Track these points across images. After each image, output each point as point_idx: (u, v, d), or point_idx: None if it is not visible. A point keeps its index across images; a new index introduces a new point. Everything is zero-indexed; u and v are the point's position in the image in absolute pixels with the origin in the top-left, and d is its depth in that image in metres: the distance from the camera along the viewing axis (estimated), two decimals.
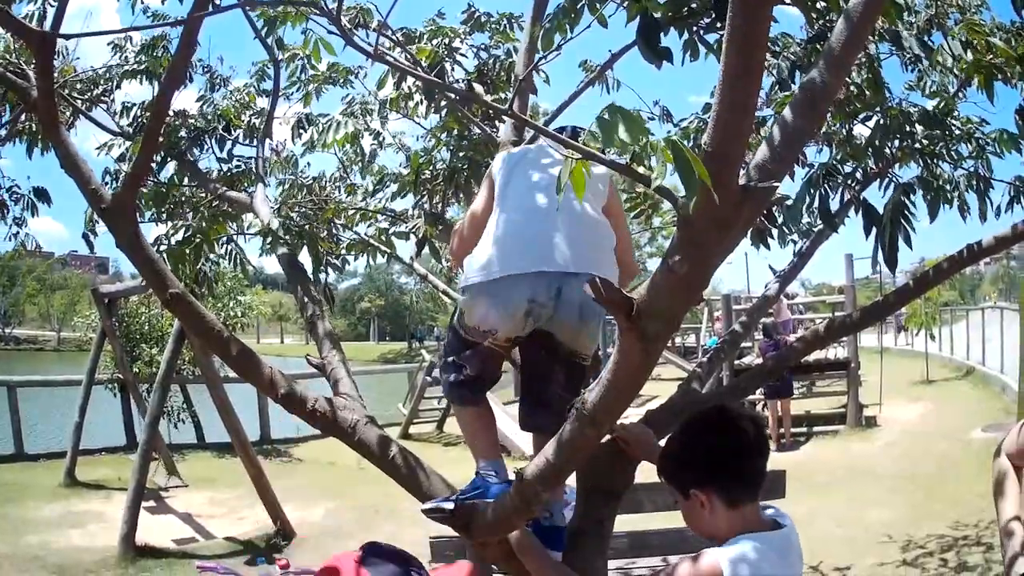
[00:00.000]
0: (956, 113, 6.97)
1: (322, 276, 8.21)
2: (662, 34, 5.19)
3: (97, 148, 10.02)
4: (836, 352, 26.03)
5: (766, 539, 3.93)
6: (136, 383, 22.89)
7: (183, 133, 9.63)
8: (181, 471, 21.60)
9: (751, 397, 25.30)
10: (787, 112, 3.44)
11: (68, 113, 9.36)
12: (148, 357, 25.60)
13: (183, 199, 9.75)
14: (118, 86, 10.08)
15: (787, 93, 6.35)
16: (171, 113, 9.36)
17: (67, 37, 7.55)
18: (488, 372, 5.53)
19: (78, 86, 10.03)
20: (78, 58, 10.53)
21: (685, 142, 7.64)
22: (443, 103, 8.61)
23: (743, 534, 3.90)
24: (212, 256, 8.21)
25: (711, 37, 5.62)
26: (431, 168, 9.34)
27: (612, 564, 6.98)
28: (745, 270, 60.48)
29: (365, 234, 9.97)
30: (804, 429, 25.58)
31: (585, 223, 5.10)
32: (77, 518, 17.90)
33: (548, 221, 5.12)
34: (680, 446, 4.21)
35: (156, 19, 9.88)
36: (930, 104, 6.83)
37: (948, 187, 7.16)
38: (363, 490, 18.80)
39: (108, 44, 10.28)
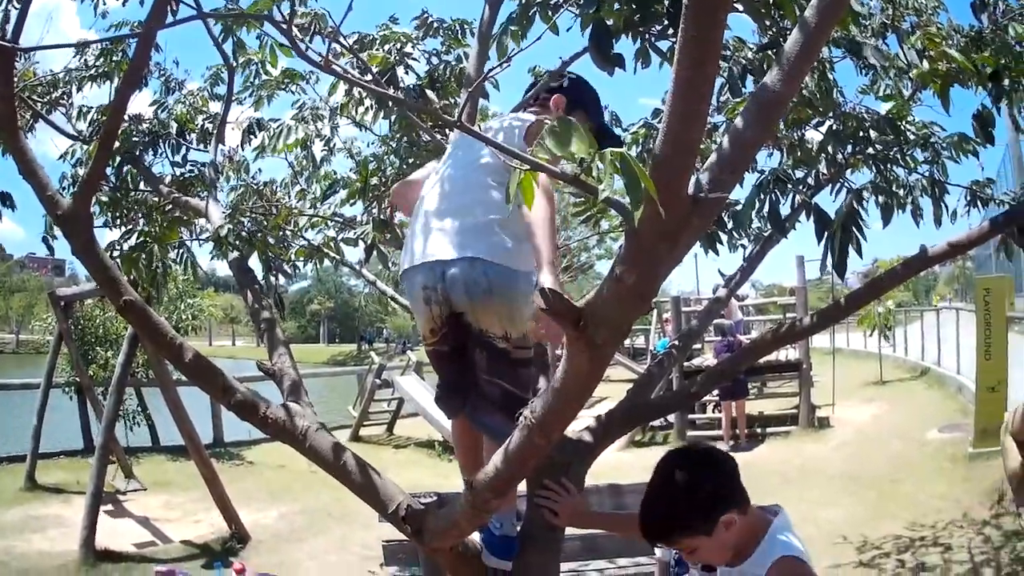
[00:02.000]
0: (911, 117, 7.00)
1: (272, 281, 8.24)
2: (614, 40, 5.21)
3: (59, 157, 10.01)
4: (788, 353, 26.04)
5: (784, 524, 4.35)
6: (92, 386, 22.80)
7: (137, 137, 9.61)
8: (137, 474, 21.47)
9: (706, 398, 25.55)
10: (739, 121, 3.45)
11: (28, 116, 9.33)
12: (103, 360, 25.47)
13: (136, 204, 9.72)
14: (78, 89, 10.05)
15: (738, 100, 6.36)
16: (126, 118, 9.33)
17: (28, 50, 7.55)
18: (454, 384, 5.62)
19: (38, 89, 9.99)
20: (37, 62, 10.49)
21: (634, 148, 7.67)
22: (394, 110, 8.61)
23: (770, 531, 4.28)
24: (159, 262, 8.21)
25: (663, 44, 5.63)
26: (380, 174, 9.34)
27: (564, 567, 7.04)
28: (695, 271, 60.70)
29: (314, 240, 9.99)
30: (757, 430, 25.69)
31: (475, 205, 5.21)
32: (38, 523, 17.81)
33: (441, 209, 5.34)
34: (689, 499, 4.26)
35: (116, 27, 9.89)
36: (884, 108, 6.85)
37: (902, 192, 7.20)
38: (315, 493, 18.89)
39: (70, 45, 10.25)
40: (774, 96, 3.38)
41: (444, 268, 5.08)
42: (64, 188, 9.61)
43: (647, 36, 5.60)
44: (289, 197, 10.27)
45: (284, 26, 3.73)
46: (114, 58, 9.72)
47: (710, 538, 4.20)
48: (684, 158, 2.95)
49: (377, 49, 8.27)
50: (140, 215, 9.49)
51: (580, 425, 5.85)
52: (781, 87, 3.37)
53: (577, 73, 5.96)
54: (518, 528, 5.56)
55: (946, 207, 7.28)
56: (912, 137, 6.90)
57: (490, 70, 5.63)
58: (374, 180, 9.30)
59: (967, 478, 16.53)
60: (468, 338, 5.32)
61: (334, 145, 10.48)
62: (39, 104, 9.74)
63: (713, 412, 27.12)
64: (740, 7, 5.37)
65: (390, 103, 8.32)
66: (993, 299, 17.76)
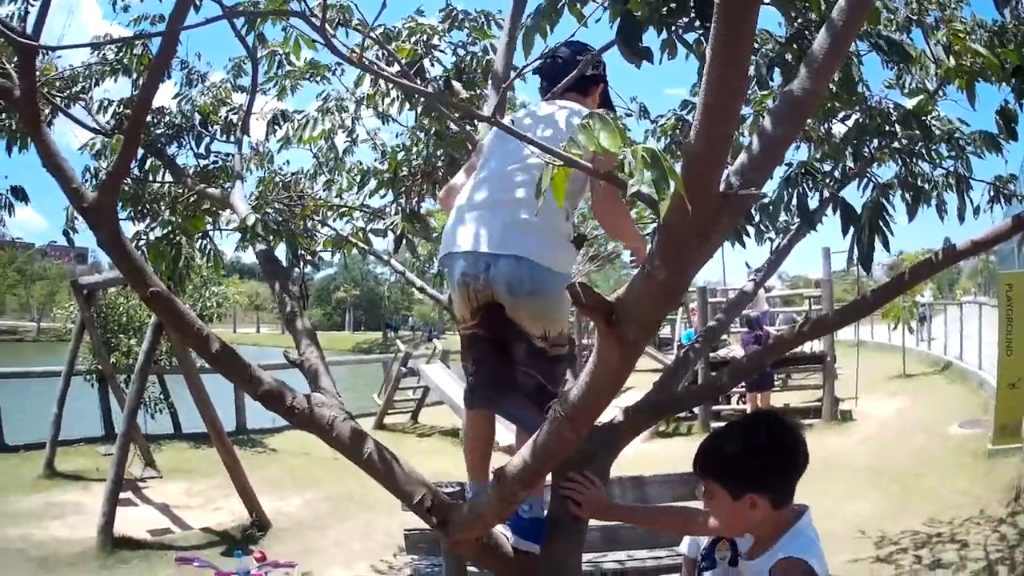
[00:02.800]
0: (936, 112, 6.98)
1: (298, 272, 8.26)
2: (641, 32, 5.20)
3: (79, 148, 10.02)
4: (812, 346, 25.89)
5: (807, 523, 4.36)
6: (114, 374, 22.82)
7: (161, 130, 9.63)
8: (158, 461, 21.61)
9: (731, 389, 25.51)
10: (768, 119, 3.44)
11: (47, 111, 9.34)
12: (126, 348, 25.67)
13: (160, 196, 9.74)
14: (97, 83, 10.05)
15: (765, 92, 6.36)
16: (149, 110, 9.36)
17: (51, 49, 7.56)
18: (487, 373, 5.66)
19: (58, 83, 9.99)
20: (59, 56, 10.50)
21: (662, 139, 7.68)
22: (421, 101, 8.61)
23: (791, 530, 4.30)
24: (186, 252, 8.23)
25: (690, 36, 5.62)
26: (409, 165, 9.35)
27: (584, 557, 7.06)
28: (721, 262, 60.49)
29: (342, 230, 10.00)
30: None
31: (524, 203, 5.23)
32: (57, 510, 17.92)
33: (492, 200, 5.42)
34: (745, 455, 4.34)
35: (137, 20, 9.92)
36: (909, 103, 6.83)
37: (927, 187, 7.19)
38: (338, 481, 18.89)
39: (91, 38, 10.23)
40: (803, 94, 3.36)
41: (489, 261, 5.15)
42: (86, 181, 9.62)
43: (674, 28, 5.60)
44: (314, 188, 10.27)
45: (316, 21, 3.73)
46: (134, 51, 9.73)
47: (732, 502, 4.29)
48: (715, 155, 2.95)
49: (404, 41, 8.28)
50: (164, 207, 9.51)
51: (607, 416, 5.87)
52: (810, 85, 3.37)
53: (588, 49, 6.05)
54: (545, 512, 5.60)
55: (970, 201, 7.26)
56: (937, 132, 6.88)
57: (522, 68, 5.63)
58: (403, 171, 9.30)
59: (986, 474, 16.50)
60: (506, 329, 5.37)
61: (357, 136, 10.48)
62: (59, 98, 9.74)
63: (738, 403, 27.08)
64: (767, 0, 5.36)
65: (418, 96, 8.33)
66: (1016, 294, 17.66)
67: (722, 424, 4.54)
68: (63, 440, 22.41)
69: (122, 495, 16.97)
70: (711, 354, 24.12)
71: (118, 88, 9.82)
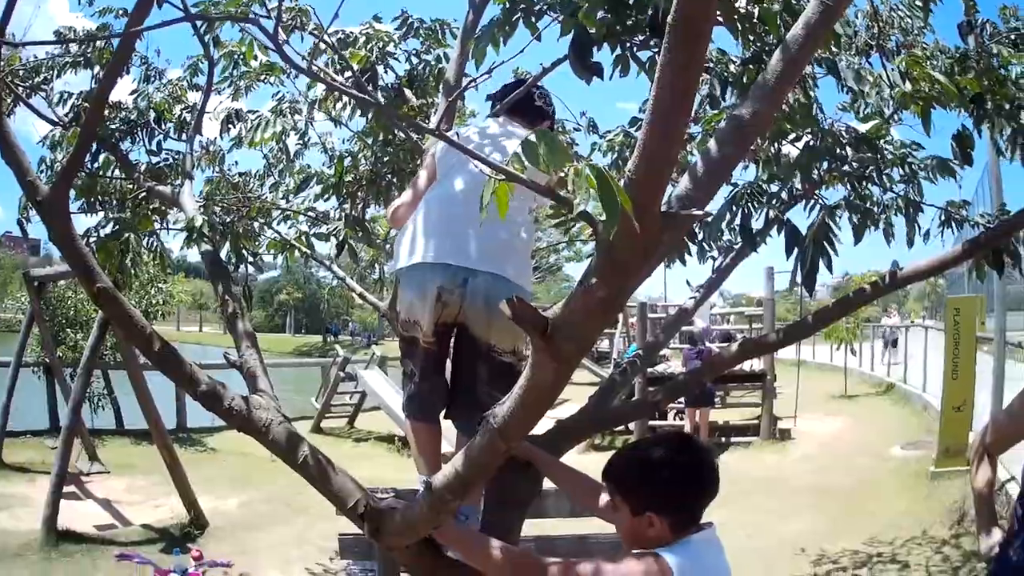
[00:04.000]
0: (890, 137, 7.02)
1: (241, 274, 8.26)
2: (595, 48, 5.22)
3: (38, 141, 10.02)
4: (752, 364, 26.01)
5: (705, 538, 4.23)
6: (60, 367, 22.75)
7: (116, 125, 9.60)
8: (101, 456, 21.58)
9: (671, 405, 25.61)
10: (714, 141, 3.47)
11: (9, 100, 9.32)
12: (72, 342, 25.75)
13: (112, 190, 9.71)
14: (59, 75, 10.04)
15: (716, 112, 6.37)
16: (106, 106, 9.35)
17: (15, 45, 7.55)
18: (436, 388, 5.76)
19: (21, 73, 9.97)
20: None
21: (609, 155, 7.69)
22: (371, 108, 8.61)
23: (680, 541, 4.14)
24: (134, 250, 8.22)
25: (644, 54, 5.64)
26: (355, 171, 9.35)
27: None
28: (663, 278, 60.80)
29: (286, 234, 10.01)
30: (719, 439, 25.69)
31: (502, 223, 5.09)
32: (4, 501, 17.93)
33: (467, 215, 5.32)
34: (649, 472, 4.29)
35: (101, 13, 9.93)
36: (863, 127, 6.87)
37: (876, 209, 7.21)
38: (275, 482, 18.82)
39: (53, 32, 10.20)
40: (752, 118, 3.39)
41: (467, 276, 5.18)
42: (41, 172, 9.61)
43: (628, 45, 5.62)
44: (263, 189, 10.27)
45: (269, 29, 3.75)
46: (97, 45, 9.72)
47: (632, 517, 4.26)
48: (659, 176, 2.95)
49: (360, 48, 8.28)
50: (115, 201, 9.49)
51: (543, 428, 5.88)
52: (759, 108, 3.39)
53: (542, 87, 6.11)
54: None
55: (919, 227, 7.29)
56: (890, 156, 6.92)
57: (472, 79, 5.66)
58: (348, 177, 9.31)
59: (928, 496, 16.54)
60: (467, 349, 5.43)
61: (308, 139, 10.49)
62: (20, 88, 9.71)
63: (675, 419, 27.09)
64: (722, 21, 5.38)
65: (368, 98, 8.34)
66: (963, 319, 17.83)
67: (636, 439, 4.53)
68: (10, 431, 22.33)
69: (66, 489, 16.94)
70: (649, 370, 24.14)
71: (78, 81, 9.82)
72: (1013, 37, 7.02)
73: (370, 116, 8.99)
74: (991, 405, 15.58)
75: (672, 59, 2.81)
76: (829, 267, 6.10)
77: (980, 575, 12.23)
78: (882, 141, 6.85)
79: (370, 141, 9.41)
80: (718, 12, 5.20)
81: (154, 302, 28.73)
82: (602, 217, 2.76)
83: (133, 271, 8.42)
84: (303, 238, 10.01)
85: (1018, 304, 31.92)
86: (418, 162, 7.65)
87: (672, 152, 2.95)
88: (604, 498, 5.00)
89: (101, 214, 9.49)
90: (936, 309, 59.62)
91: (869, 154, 6.69)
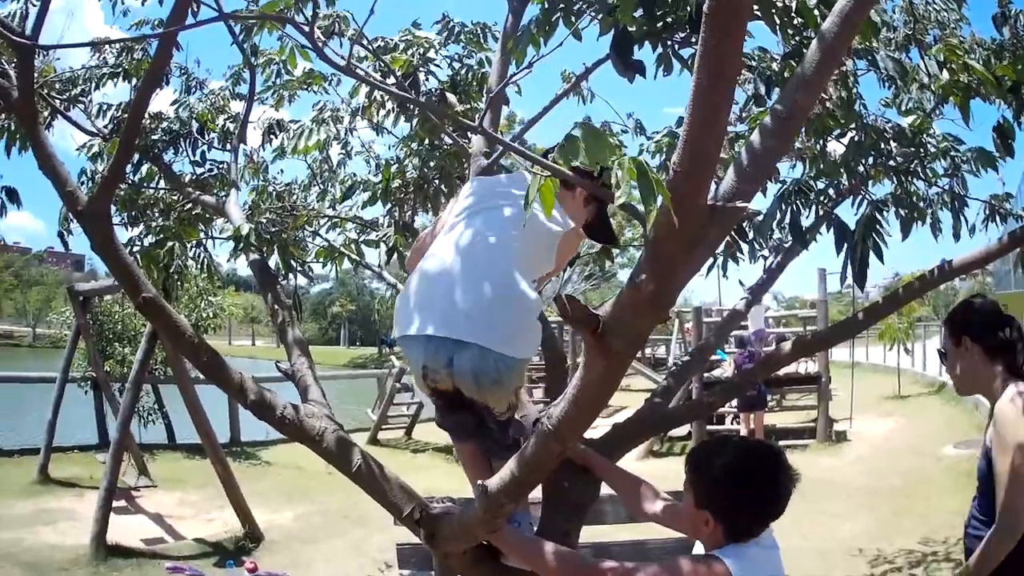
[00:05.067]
0: (932, 131, 6.97)
1: (291, 282, 8.24)
2: (636, 48, 5.18)
3: (77, 149, 10.02)
4: (807, 366, 25.95)
5: (758, 541, 4.17)
6: (108, 382, 22.90)
7: (158, 136, 9.62)
8: (151, 470, 21.50)
9: (723, 409, 25.50)
10: (757, 133, 3.43)
11: (46, 113, 9.34)
12: (120, 356, 25.73)
13: (154, 202, 9.74)
14: (96, 87, 10.04)
15: (762, 109, 6.33)
16: (147, 116, 9.36)
17: (48, 48, 7.55)
18: (460, 422, 5.58)
19: (57, 86, 9.99)
20: (58, 58, 10.49)
21: (657, 156, 7.65)
22: (415, 113, 8.57)
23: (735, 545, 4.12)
24: (179, 260, 8.22)
25: (686, 52, 5.61)
26: (402, 177, 9.33)
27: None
28: (717, 283, 60.60)
29: (334, 241, 9.99)
30: (775, 443, 25.36)
31: (495, 276, 5.05)
32: (49, 516, 17.89)
33: (458, 274, 5.11)
34: (725, 476, 4.22)
35: (137, 25, 9.94)
36: (906, 122, 6.82)
37: (922, 204, 7.17)
38: (331, 495, 18.85)
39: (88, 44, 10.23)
40: (792, 108, 3.36)
41: (452, 353, 4.94)
42: (83, 183, 9.61)
43: (669, 44, 5.58)
44: (308, 198, 10.27)
45: (306, 28, 3.73)
46: (134, 56, 9.73)
47: (694, 507, 4.24)
48: (702, 167, 2.91)
49: (400, 53, 8.25)
50: (158, 213, 9.51)
51: (599, 433, 5.86)
52: (800, 99, 3.36)
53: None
54: (535, 528, 5.55)
55: (965, 220, 7.24)
56: (932, 150, 6.87)
57: (511, 76, 5.60)
58: (396, 182, 9.28)
59: None
60: (468, 401, 5.25)
61: (351, 148, 10.47)
62: (58, 101, 9.74)
63: (732, 424, 26.98)
64: (760, 15, 5.34)
65: (411, 106, 8.30)
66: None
67: (733, 434, 4.46)
68: (57, 446, 22.39)
69: (116, 503, 16.90)
70: (706, 375, 24.05)
71: (117, 92, 9.83)
72: None
73: (415, 122, 8.96)
74: None
75: (710, 46, 2.77)
76: (880, 258, 6.04)
77: None
78: (924, 135, 6.80)
79: (415, 147, 9.38)
80: (755, 7, 5.18)
81: (204, 316, 28.63)
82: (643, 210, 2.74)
83: (180, 283, 8.45)
84: (352, 246, 9.99)
85: None
86: (466, 167, 7.59)
87: (715, 142, 2.91)
88: (661, 504, 4.97)
89: (143, 225, 9.50)
90: None
91: (912, 148, 6.65)
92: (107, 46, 9.93)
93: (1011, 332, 6.09)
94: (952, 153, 6.96)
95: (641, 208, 2.77)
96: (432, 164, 9.11)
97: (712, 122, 2.84)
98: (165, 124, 9.70)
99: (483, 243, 5.19)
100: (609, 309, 3.28)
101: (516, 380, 5.11)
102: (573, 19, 5.63)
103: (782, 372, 24.98)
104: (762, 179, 3.56)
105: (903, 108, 7.23)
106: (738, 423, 25.89)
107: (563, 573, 4.52)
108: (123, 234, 9.37)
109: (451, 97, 8.44)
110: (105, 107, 9.99)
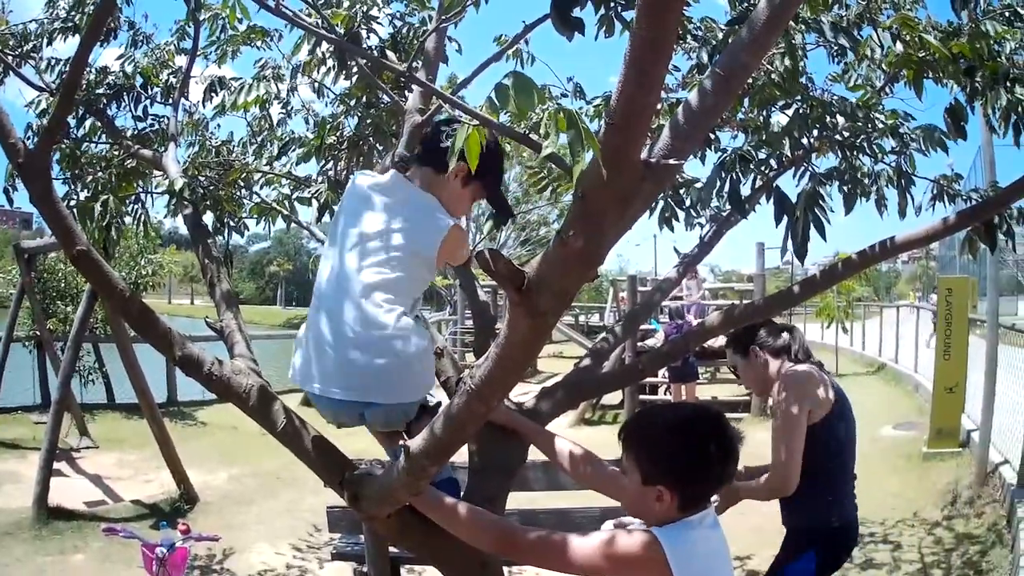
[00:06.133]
0: (881, 107, 6.95)
1: (223, 238, 8.19)
2: (578, 8, 5.14)
3: (25, 105, 9.93)
4: None
5: (699, 519, 4.10)
6: (51, 340, 22.97)
7: (103, 90, 9.53)
8: (91, 431, 21.75)
9: (655, 381, 25.60)
10: (695, 92, 3.39)
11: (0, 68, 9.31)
12: (63, 314, 25.62)
13: (96, 159, 9.66)
14: (48, 42, 9.95)
15: (704, 76, 6.32)
16: (93, 70, 9.43)
17: None
18: None
19: (10, 42, 9.90)
20: (11, 11, 10.38)
21: (596, 121, 7.62)
22: (354, 70, 8.50)
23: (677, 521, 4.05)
24: (114, 215, 8.18)
25: (629, 15, 5.57)
26: (337, 134, 9.28)
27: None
28: (654, 252, 60.94)
29: (268, 198, 9.94)
30: None
31: (375, 337, 4.85)
32: None
33: (340, 324, 4.95)
34: (673, 438, 4.18)
35: None
36: (854, 97, 6.81)
37: (867, 181, 7.15)
38: (265, 456, 18.88)
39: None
40: (736, 65, 3.31)
41: (361, 409, 4.92)
42: (28, 139, 9.53)
43: (612, 5, 5.55)
44: (246, 156, 10.19)
45: None
46: (85, 10, 9.62)
47: (641, 485, 4.13)
48: (636, 120, 2.82)
49: (342, 10, 8.19)
50: (99, 171, 9.43)
51: (529, 397, 5.83)
52: (744, 57, 3.31)
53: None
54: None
55: (912, 198, 7.22)
56: (881, 126, 6.84)
57: (442, 20, 5.53)
58: (330, 139, 9.24)
59: (920, 477, 16.56)
60: None
61: (291, 108, 10.40)
62: (10, 57, 9.64)
63: (664, 395, 27.08)
64: None
65: (351, 61, 8.20)
66: (955, 299, 17.88)
67: (667, 402, 4.41)
68: (1, 407, 22.68)
69: (57, 465, 17.03)
70: (639, 344, 24.11)
71: (68, 48, 9.73)
72: (1007, 13, 6.94)
73: (352, 81, 8.89)
74: (984, 387, 15.50)
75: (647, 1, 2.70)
76: (821, 233, 6.00)
77: (973, 558, 12.19)
78: (873, 112, 6.78)
79: (352, 104, 9.33)
80: None
81: (144, 273, 28.52)
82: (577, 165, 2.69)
83: (117, 239, 8.38)
84: (285, 202, 9.92)
85: (1009, 289, 31.97)
86: (402, 123, 7.49)
87: (651, 95, 2.81)
88: (596, 467, 4.93)
89: (82, 182, 9.45)
90: (926, 292, 59.71)
91: (860, 122, 6.62)
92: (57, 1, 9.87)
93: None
94: (901, 130, 6.94)
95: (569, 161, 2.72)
96: (368, 121, 9.07)
97: (649, 73, 2.75)
98: (110, 79, 9.62)
99: (353, 280, 4.97)
100: (535, 265, 3.18)
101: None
102: None
103: (717, 344, 25.25)
104: (699, 137, 3.50)
105: (851, 84, 7.21)
106: (668, 394, 26.01)
107: (485, 539, 4.48)
108: (65, 191, 9.32)
109: (391, 55, 8.39)
110: (54, 62, 9.90)
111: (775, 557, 7.73)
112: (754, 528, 9.16)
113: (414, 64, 6.47)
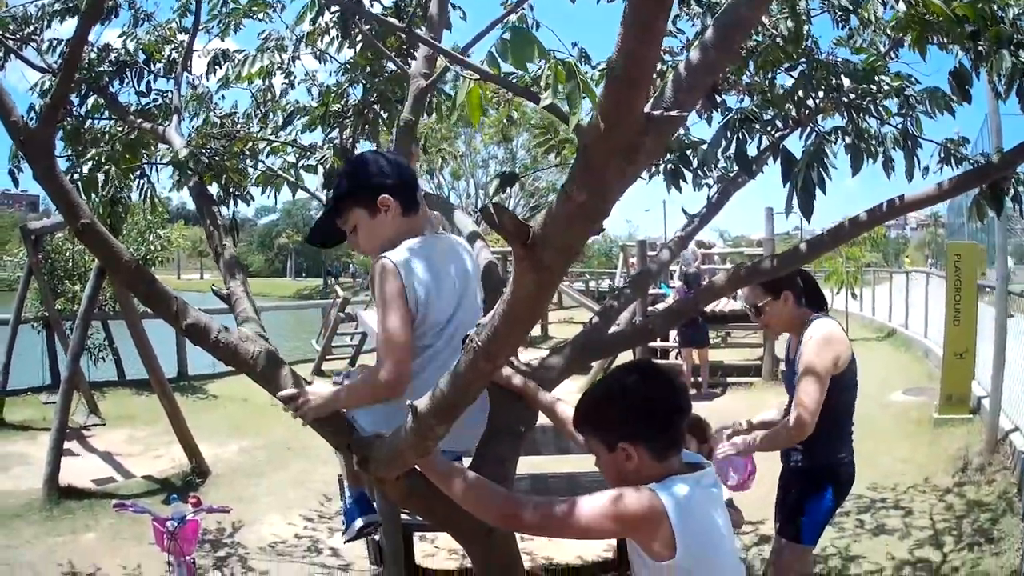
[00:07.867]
0: (886, 70, 6.93)
1: (228, 207, 8.19)
2: None
3: (30, 88, 9.93)
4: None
5: (696, 478, 4.12)
6: (60, 320, 22.85)
7: (106, 67, 9.53)
8: (102, 408, 21.83)
9: (665, 345, 25.59)
10: (697, 46, 3.37)
11: (1, 52, 9.30)
12: (71, 293, 25.62)
13: (100, 135, 9.64)
14: (49, 24, 9.94)
15: None
16: (95, 48, 9.46)
17: None
18: None
19: (10, 25, 9.89)
20: None
21: (600, 85, 7.62)
22: (358, 38, 8.50)
23: (673, 476, 4.06)
24: (119, 188, 8.20)
25: None
26: (342, 102, 9.29)
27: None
28: (663, 217, 60.93)
29: (273, 166, 9.92)
30: (720, 379, 25.94)
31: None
32: (3, 461, 18.06)
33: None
34: (609, 401, 4.28)
35: None
36: (859, 59, 6.79)
37: (874, 142, 7.13)
38: (275, 428, 19.06)
39: None
40: (737, 18, 3.29)
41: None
42: (31, 119, 9.53)
43: None
44: (251, 127, 10.18)
45: None
46: None
47: (608, 454, 4.20)
48: (639, 73, 2.82)
49: None
50: (102, 143, 9.43)
51: (539, 358, 5.83)
52: (745, 10, 3.30)
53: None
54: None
55: (918, 161, 7.20)
56: (886, 88, 6.83)
57: None
58: (335, 107, 9.24)
59: (931, 443, 16.51)
60: None
61: (295, 78, 10.38)
62: (11, 40, 9.64)
63: (675, 359, 27.10)
64: None
65: (354, 29, 8.18)
66: (964, 265, 17.84)
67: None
68: (11, 390, 22.52)
69: (67, 444, 17.03)
70: (649, 308, 24.14)
71: (68, 29, 9.70)
72: None
73: (357, 49, 8.89)
74: (994, 354, 15.46)
75: None
76: (822, 187, 5.98)
77: (984, 525, 12.17)
78: (878, 75, 6.76)
79: (356, 73, 9.33)
80: None
81: (153, 248, 28.55)
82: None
83: (124, 214, 8.38)
84: (291, 170, 9.91)
85: (1017, 256, 31.93)
86: (406, 88, 7.49)
87: (650, 50, 2.81)
88: None
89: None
90: (935, 258, 59.58)
91: (865, 84, 6.61)
92: None
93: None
94: (906, 92, 6.92)
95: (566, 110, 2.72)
96: (372, 88, 9.07)
97: (650, 24, 2.74)
98: (112, 56, 9.61)
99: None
100: (540, 220, 3.19)
101: None
102: None
103: (728, 309, 25.30)
104: (702, 90, 3.47)
105: (855, 48, 7.19)
106: (679, 359, 26.01)
107: (484, 506, 4.48)
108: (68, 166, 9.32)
109: (394, 23, 8.38)
110: (55, 42, 9.89)
111: (783, 498, 8.68)
112: (762, 497, 9.17)
113: (418, 30, 6.48)
